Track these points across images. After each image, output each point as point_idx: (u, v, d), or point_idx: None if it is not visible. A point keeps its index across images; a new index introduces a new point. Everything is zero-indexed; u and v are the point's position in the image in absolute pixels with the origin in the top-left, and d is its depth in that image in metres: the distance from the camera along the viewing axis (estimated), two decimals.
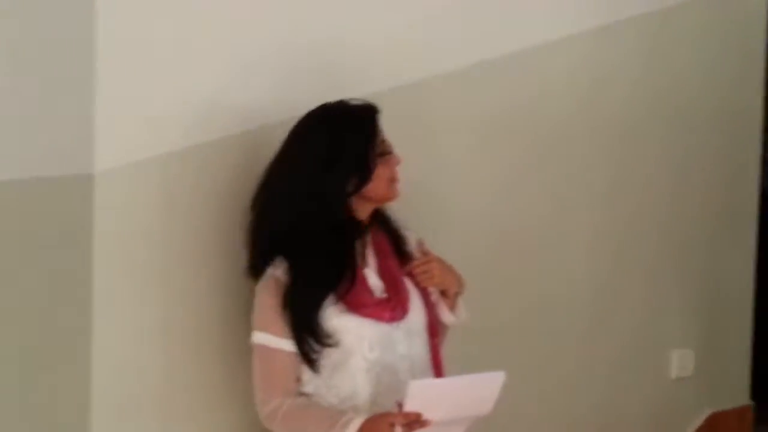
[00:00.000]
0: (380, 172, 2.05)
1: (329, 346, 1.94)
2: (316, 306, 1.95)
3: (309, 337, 1.93)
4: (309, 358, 1.95)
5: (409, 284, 2.12)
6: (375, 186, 2.05)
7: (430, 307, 2.15)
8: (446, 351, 2.21)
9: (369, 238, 2.13)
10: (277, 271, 1.99)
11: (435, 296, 2.18)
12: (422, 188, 2.57)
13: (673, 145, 3.44)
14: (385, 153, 2.07)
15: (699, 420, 3.57)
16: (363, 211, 2.08)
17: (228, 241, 2.17)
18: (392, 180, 2.07)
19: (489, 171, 2.93)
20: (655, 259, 3.42)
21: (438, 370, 2.12)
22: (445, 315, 2.19)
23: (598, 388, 3.26)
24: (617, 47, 3.23)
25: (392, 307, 2.05)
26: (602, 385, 3.27)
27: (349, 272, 2.00)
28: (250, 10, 2.24)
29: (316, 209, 2.00)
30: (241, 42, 2.24)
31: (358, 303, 2.00)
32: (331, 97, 2.13)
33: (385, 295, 2.07)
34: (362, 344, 1.99)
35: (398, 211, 2.24)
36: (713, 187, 3.58)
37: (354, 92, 2.20)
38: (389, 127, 2.15)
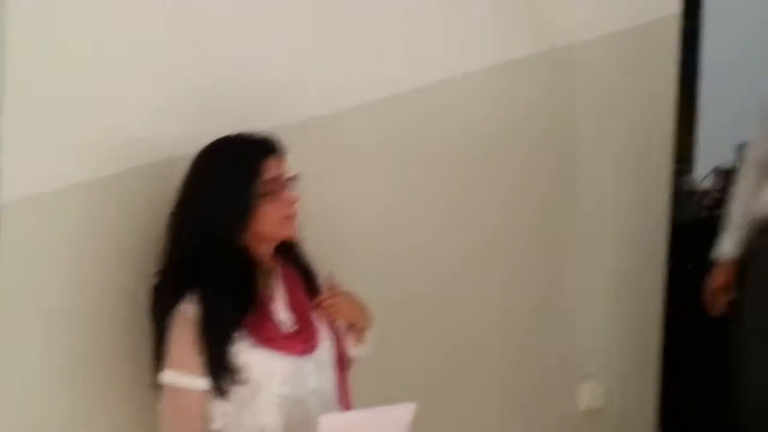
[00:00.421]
0: (267, 211, 2.02)
1: (239, 382, 1.92)
2: (222, 341, 1.92)
3: (220, 373, 1.91)
4: (222, 393, 1.93)
5: (318, 317, 2.13)
6: (262, 224, 2.03)
7: (338, 340, 2.17)
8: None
9: (278, 273, 2.12)
10: (187, 307, 1.95)
11: (342, 329, 2.20)
12: (332, 221, 2.60)
13: (588, 176, 3.49)
14: (275, 191, 2.03)
15: None
16: (263, 246, 2.07)
17: (139, 275, 2.10)
18: (284, 218, 2.04)
19: (401, 204, 2.93)
20: (567, 288, 3.47)
21: (346, 404, 2.15)
22: (352, 349, 2.21)
23: (506, 419, 3.28)
24: (529, 81, 3.26)
25: (303, 340, 2.06)
26: (511, 415, 3.30)
27: (251, 305, 1.99)
28: (161, 43, 2.21)
29: (210, 244, 1.99)
30: (154, 74, 2.20)
31: (266, 337, 1.99)
32: (242, 128, 2.13)
33: (295, 328, 2.06)
34: (272, 379, 1.98)
35: (308, 243, 2.24)
36: (624, 219, 3.64)
37: (265, 124, 2.21)
38: (299, 160, 2.16)
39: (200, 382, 1.93)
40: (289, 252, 2.15)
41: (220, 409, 1.95)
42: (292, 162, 2.14)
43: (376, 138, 2.85)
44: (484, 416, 3.18)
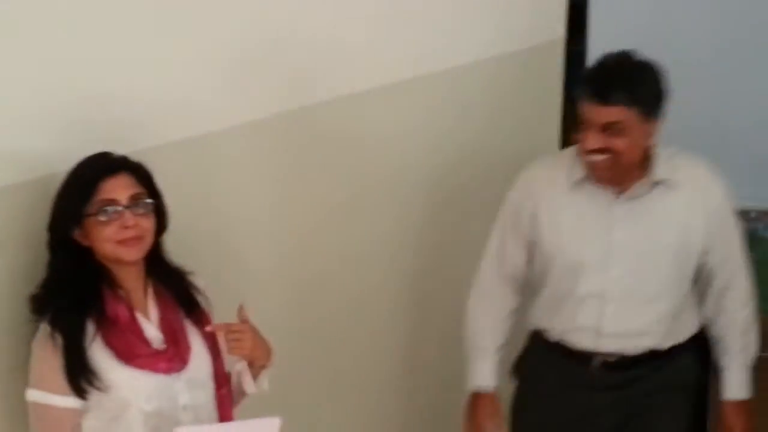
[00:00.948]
0: (98, 233, 1.98)
1: (99, 388, 1.93)
2: (78, 356, 1.92)
3: (83, 386, 1.92)
4: (82, 396, 1.93)
5: (193, 334, 2.12)
6: (98, 244, 2.00)
7: (216, 358, 2.15)
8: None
9: (150, 291, 2.10)
10: (48, 324, 1.96)
11: (241, 365, 2.16)
12: (214, 243, 2.59)
13: (475, 195, 3.49)
14: (106, 212, 1.97)
15: None
16: (118, 264, 2.03)
17: (15, 294, 2.06)
18: (118, 242, 1.98)
19: (286, 224, 2.94)
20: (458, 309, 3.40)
21: (227, 420, 2.14)
22: (249, 385, 2.17)
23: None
24: (420, 101, 3.26)
25: (169, 358, 2.03)
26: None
27: (98, 315, 1.97)
28: (38, 60, 2.16)
29: (55, 260, 2.01)
30: (32, 90, 2.15)
31: (131, 354, 1.98)
32: (116, 149, 2.12)
33: (163, 346, 2.04)
34: (138, 396, 1.97)
35: (191, 264, 2.24)
36: None
37: (142, 144, 2.26)
38: (173, 181, 2.19)
39: (62, 400, 1.92)
40: (160, 271, 2.14)
41: (89, 427, 1.96)
42: (184, 179, 2.20)
43: (259, 156, 2.82)
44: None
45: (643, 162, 2.61)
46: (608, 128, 2.45)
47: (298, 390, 2.89)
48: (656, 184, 2.58)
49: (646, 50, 5.09)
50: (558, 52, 3.79)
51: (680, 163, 2.66)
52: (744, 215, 7.22)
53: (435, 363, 3.44)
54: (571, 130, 3.85)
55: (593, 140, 2.47)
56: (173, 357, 2.03)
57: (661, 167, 2.60)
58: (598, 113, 2.47)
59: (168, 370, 2.00)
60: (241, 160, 2.74)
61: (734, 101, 5.90)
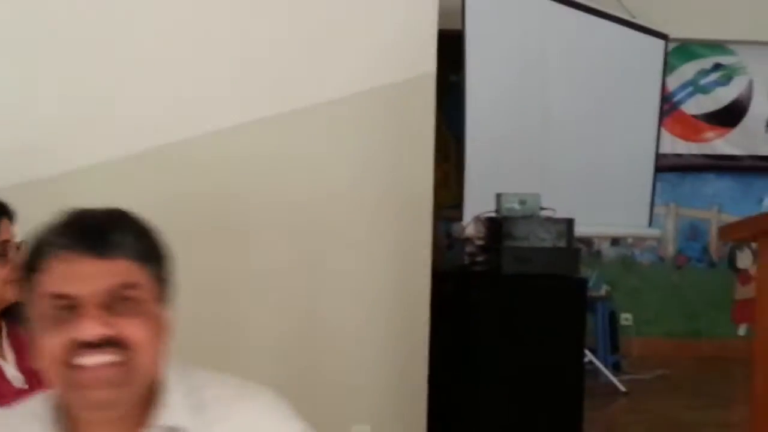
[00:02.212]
0: None
1: None
2: None
3: None
4: None
5: None
6: None
7: None
8: None
9: (4, 334, 2.13)
10: None
11: None
12: None
13: (352, 227, 3.57)
14: None
15: None
16: None
17: None
18: (4, 282, 2.05)
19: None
20: (341, 334, 3.55)
21: None
22: None
23: None
24: (294, 134, 3.31)
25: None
26: None
27: None
28: None
29: None
30: None
31: None
32: None
33: (25, 386, 2.05)
34: None
35: None
36: (391, 269, 3.73)
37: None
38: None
39: None
40: (16, 314, 2.12)
41: None
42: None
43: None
44: None
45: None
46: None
47: None
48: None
49: (517, 82, 5.28)
50: (430, 85, 3.83)
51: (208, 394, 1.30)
52: (622, 242, 7.53)
53: None
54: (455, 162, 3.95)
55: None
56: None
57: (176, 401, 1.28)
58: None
59: None
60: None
61: (610, 150, 6.21)
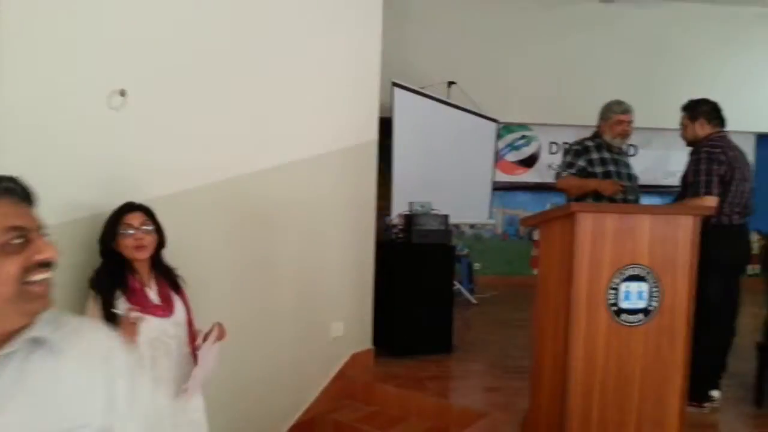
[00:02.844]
0: (123, 244, 2.00)
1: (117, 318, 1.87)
2: (107, 308, 1.90)
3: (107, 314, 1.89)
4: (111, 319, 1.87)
5: (176, 300, 2.07)
6: (123, 251, 2.00)
7: (188, 313, 2.11)
8: None
9: (153, 275, 2.06)
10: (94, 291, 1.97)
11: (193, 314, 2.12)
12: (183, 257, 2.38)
13: (334, 218, 3.52)
14: (126, 233, 2.00)
15: (346, 358, 3.64)
16: (133, 261, 2.01)
17: (84, 278, 1.99)
18: (134, 248, 2.00)
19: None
20: (327, 273, 3.49)
21: (193, 343, 2.07)
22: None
23: (292, 345, 3.26)
24: (305, 173, 3.23)
25: (162, 309, 2.02)
26: (294, 342, 3.27)
27: (125, 285, 1.96)
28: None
29: (105, 260, 2.03)
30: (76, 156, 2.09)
31: (143, 305, 1.97)
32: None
33: (159, 303, 2.02)
34: (148, 328, 1.93)
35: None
36: (354, 241, 3.70)
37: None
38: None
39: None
40: (159, 267, 2.10)
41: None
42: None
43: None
44: (280, 344, 3.18)
45: None
46: None
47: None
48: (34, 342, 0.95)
49: (421, 142, 5.26)
50: (374, 145, 3.82)
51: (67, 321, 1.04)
52: (476, 226, 7.54)
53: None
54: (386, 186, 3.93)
55: None
56: (165, 308, 2.03)
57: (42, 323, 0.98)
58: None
59: (163, 315, 2.01)
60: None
61: (470, 178, 6.22)
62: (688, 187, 3.11)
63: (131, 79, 2.27)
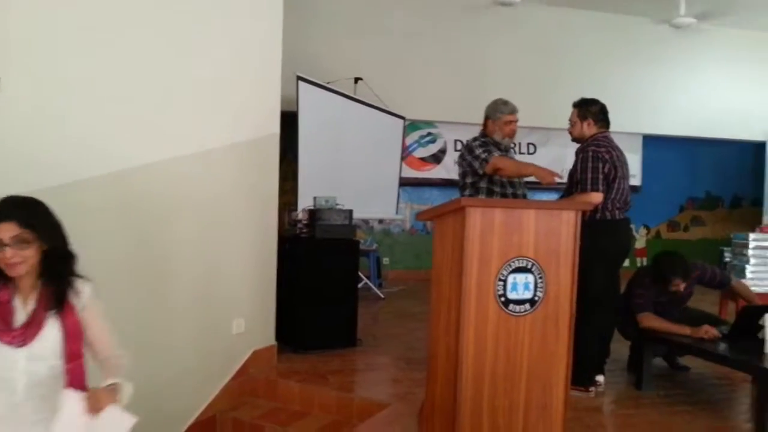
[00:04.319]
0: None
1: None
2: None
3: None
4: None
5: (52, 323, 1.64)
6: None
7: (70, 340, 1.65)
8: None
9: (38, 287, 1.66)
10: None
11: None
12: None
13: (237, 214, 3.46)
14: None
15: (248, 354, 3.59)
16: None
17: None
18: (5, 265, 1.59)
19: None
20: (228, 269, 3.42)
21: (74, 386, 1.62)
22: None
23: (191, 343, 3.20)
24: (208, 164, 3.18)
25: (14, 336, 1.59)
26: (193, 340, 3.21)
27: None
28: None
29: None
30: None
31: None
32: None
33: (18, 326, 1.61)
34: None
35: None
36: (258, 234, 3.63)
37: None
38: None
39: None
40: (48, 276, 1.66)
41: None
42: None
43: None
44: (178, 342, 3.11)
45: None
46: None
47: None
48: None
49: (325, 138, 5.27)
50: (275, 141, 3.76)
51: None
52: (384, 221, 7.61)
53: None
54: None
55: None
56: (18, 336, 1.59)
57: None
58: None
59: (9, 343, 1.58)
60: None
61: (378, 174, 6.27)
62: (576, 184, 3.30)
63: (14, 68, 2.16)
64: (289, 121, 5.06)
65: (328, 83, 5.65)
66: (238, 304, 3.53)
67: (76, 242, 2.27)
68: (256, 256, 3.64)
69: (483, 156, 3.31)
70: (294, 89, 5.08)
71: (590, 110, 3.39)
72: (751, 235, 4.74)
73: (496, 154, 3.34)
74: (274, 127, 3.72)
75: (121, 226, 2.75)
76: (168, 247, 3.02)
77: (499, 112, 3.44)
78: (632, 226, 8.39)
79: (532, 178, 3.32)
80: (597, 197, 3.19)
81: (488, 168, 3.30)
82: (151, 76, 2.86)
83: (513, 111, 3.45)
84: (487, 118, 3.50)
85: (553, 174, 3.13)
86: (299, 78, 5.09)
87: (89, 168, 2.53)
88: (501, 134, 3.44)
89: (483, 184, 3.38)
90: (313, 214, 4.18)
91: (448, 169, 7.81)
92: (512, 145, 3.64)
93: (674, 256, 3.51)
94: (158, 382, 2.93)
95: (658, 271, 3.48)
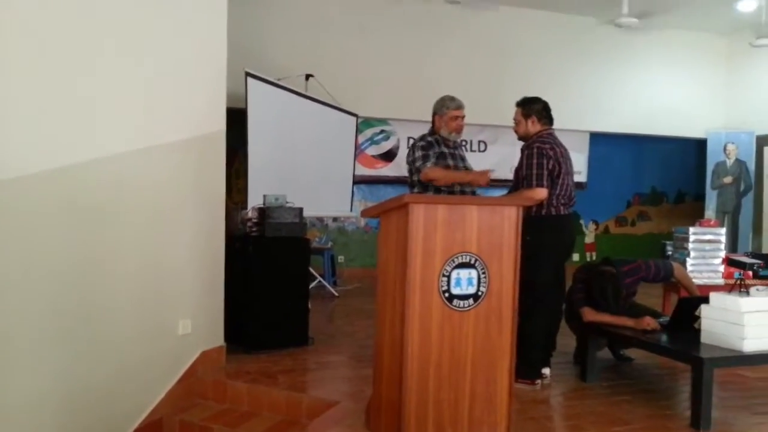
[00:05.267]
0: None
1: None
2: None
3: None
4: None
5: None
6: None
7: None
8: None
9: None
10: None
11: None
12: None
13: (183, 212, 3.41)
14: None
15: (195, 355, 3.53)
16: None
17: None
18: None
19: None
20: (173, 269, 3.37)
21: None
22: None
23: (134, 345, 3.13)
24: (153, 159, 3.12)
25: None
26: (137, 342, 3.15)
27: None
28: None
29: None
30: None
31: None
32: None
33: None
34: None
35: None
36: (205, 234, 3.58)
37: None
38: None
39: None
40: None
41: None
42: None
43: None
44: (120, 344, 3.05)
45: None
46: None
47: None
48: None
49: (276, 135, 5.22)
50: (221, 138, 3.70)
51: None
52: (338, 219, 7.59)
53: None
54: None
55: None
56: None
57: None
58: None
59: None
60: None
61: (331, 172, 6.26)
62: (522, 180, 3.36)
63: None
64: (240, 119, 5.01)
65: (278, 80, 5.60)
66: (184, 304, 3.46)
67: (14, 239, 2.20)
68: (202, 256, 3.58)
69: (418, 164, 3.42)
70: (244, 86, 5.02)
71: (533, 108, 3.46)
72: (691, 229, 4.91)
73: (432, 161, 3.41)
74: (220, 124, 3.66)
75: (61, 223, 2.68)
76: (110, 245, 2.95)
77: (445, 107, 3.50)
78: (582, 221, 8.84)
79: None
80: (542, 192, 3.26)
81: (422, 177, 3.39)
82: (90, 71, 2.79)
83: (459, 106, 3.50)
84: (434, 114, 3.56)
85: (485, 174, 3.24)
86: (248, 74, 5.03)
87: (29, 165, 2.46)
88: (447, 129, 3.50)
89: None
90: (263, 212, 4.14)
91: (401, 166, 7.82)
92: (463, 142, 3.70)
93: (605, 279, 3.50)
94: (97, 387, 2.87)
95: (589, 289, 3.52)
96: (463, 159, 3.61)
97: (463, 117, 3.52)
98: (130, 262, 3.08)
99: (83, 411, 2.77)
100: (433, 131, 3.57)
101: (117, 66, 2.95)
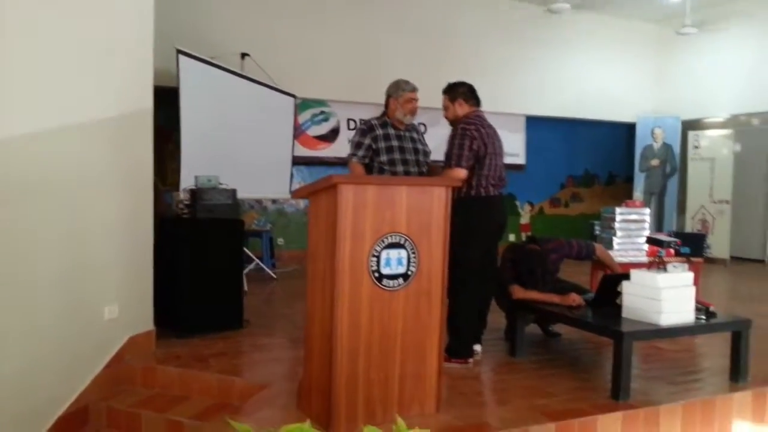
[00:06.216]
0: None
1: None
2: None
3: None
4: None
5: None
6: None
7: None
8: None
9: None
10: None
11: None
12: None
13: (110, 195, 3.28)
14: None
15: (123, 341, 3.45)
16: None
17: None
18: None
19: None
20: (97, 252, 3.25)
21: None
22: None
23: (56, 331, 3.01)
24: (77, 139, 2.97)
25: None
26: (59, 328, 3.03)
27: None
28: None
29: None
30: None
31: None
32: None
33: None
34: None
35: None
36: (133, 216, 3.46)
37: None
38: None
39: None
40: None
41: None
42: None
43: None
44: (41, 331, 2.92)
45: None
46: None
47: None
48: None
49: (211, 114, 5.09)
50: (148, 116, 3.58)
51: None
52: (277, 201, 7.49)
53: None
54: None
55: None
56: None
57: None
58: None
59: None
60: None
61: (269, 153, 6.14)
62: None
63: None
64: (173, 98, 4.85)
65: (212, 58, 5.43)
66: (110, 289, 3.36)
67: None
68: (128, 239, 3.47)
69: (350, 151, 3.55)
70: (174, 63, 4.85)
71: (458, 91, 3.52)
72: (618, 210, 5.10)
73: (362, 153, 3.48)
74: (146, 102, 3.54)
75: None
76: (29, 228, 2.82)
77: (401, 90, 3.53)
78: (517, 202, 9.03)
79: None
80: (459, 173, 3.30)
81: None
82: (4, 48, 2.63)
83: (414, 89, 3.55)
84: (389, 96, 3.57)
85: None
86: (179, 51, 4.86)
87: None
88: (402, 112, 3.52)
89: (375, 163, 3.48)
90: (195, 193, 4.04)
91: (343, 147, 7.80)
92: (419, 124, 3.73)
93: (533, 257, 3.65)
94: (16, 376, 2.75)
95: (518, 268, 3.65)
96: (412, 140, 3.60)
97: (417, 100, 3.55)
98: (50, 247, 2.95)
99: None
100: (384, 114, 3.57)
101: (35, 41, 2.79)
